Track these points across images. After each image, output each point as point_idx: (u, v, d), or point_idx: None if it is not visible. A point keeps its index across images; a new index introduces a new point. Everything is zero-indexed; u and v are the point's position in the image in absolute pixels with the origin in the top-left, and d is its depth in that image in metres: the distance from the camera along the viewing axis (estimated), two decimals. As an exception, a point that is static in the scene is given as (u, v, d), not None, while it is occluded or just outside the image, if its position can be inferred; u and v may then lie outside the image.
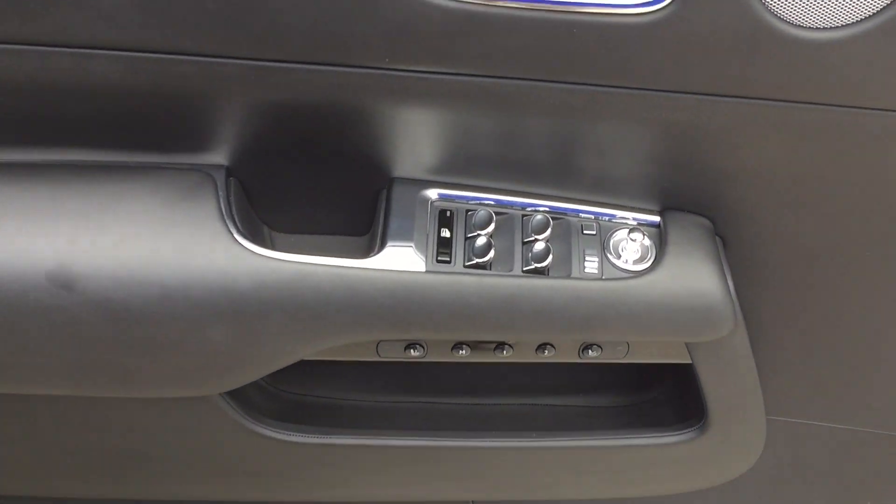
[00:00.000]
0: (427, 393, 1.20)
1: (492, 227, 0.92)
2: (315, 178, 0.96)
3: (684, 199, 0.94)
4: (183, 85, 0.83)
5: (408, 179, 0.95)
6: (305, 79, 0.81)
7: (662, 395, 1.20)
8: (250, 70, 0.81)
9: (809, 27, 0.75)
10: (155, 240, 0.87)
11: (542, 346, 0.98)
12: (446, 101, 0.84)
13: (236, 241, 0.87)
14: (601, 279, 0.91)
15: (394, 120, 0.87)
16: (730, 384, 1.02)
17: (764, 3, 0.74)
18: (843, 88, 0.80)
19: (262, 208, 0.99)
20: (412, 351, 0.97)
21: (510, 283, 0.89)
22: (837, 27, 0.75)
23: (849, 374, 1.09)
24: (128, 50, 0.79)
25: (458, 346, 0.98)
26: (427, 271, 0.89)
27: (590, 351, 0.98)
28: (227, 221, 0.88)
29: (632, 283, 0.90)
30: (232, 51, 0.79)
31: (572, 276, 0.91)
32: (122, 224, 0.87)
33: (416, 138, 0.90)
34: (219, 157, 0.93)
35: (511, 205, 0.95)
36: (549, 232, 0.92)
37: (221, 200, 0.90)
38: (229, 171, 0.93)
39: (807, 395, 1.12)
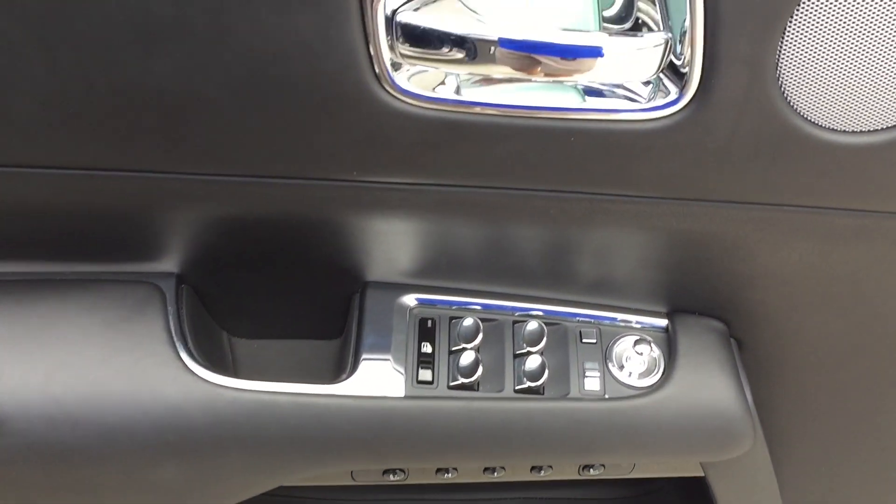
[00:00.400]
0: (412, 489, 1.09)
1: (479, 338, 0.81)
2: (278, 284, 0.85)
3: (695, 300, 0.83)
4: (119, 200, 0.71)
5: (382, 283, 0.84)
6: (260, 193, 0.70)
7: (667, 486, 1.10)
8: (196, 184, 0.70)
9: (843, 131, 0.65)
10: (94, 370, 0.76)
11: (537, 467, 0.87)
12: (423, 212, 0.73)
13: (187, 368, 0.76)
14: (604, 398, 0.80)
15: (365, 229, 0.76)
16: (747, 498, 0.91)
17: (793, 106, 0.63)
18: (880, 194, 0.69)
19: (219, 314, 0.88)
20: (391, 476, 0.87)
21: (501, 406, 0.79)
22: (874, 131, 0.65)
23: (870, 478, 0.99)
24: (53, 167, 0.67)
25: (442, 468, 0.87)
26: (406, 396, 0.78)
27: (591, 469, 0.88)
28: (178, 343, 0.77)
29: (639, 402, 0.80)
30: (172, 166, 0.68)
31: (571, 395, 0.80)
32: (56, 352, 0.76)
33: (390, 244, 0.79)
34: (168, 264, 0.81)
35: (500, 309, 0.85)
36: (543, 342, 0.81)
37: (171, 318, 0.79)
38: (181, 279, 0.82)
39: (825, 499, 1.02)
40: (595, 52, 0.60)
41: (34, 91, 0.61)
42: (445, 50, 0.60)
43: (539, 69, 0.61)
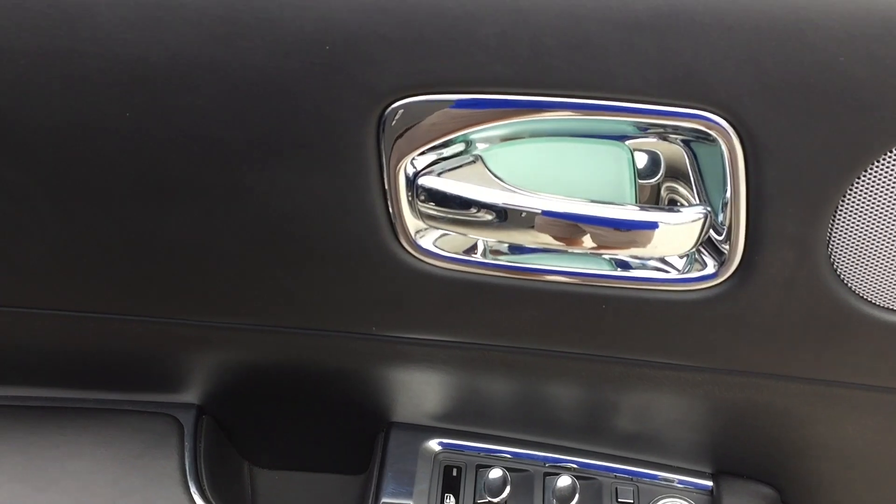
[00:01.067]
0: None
1: (506, 492, 0.76)
2: (301, 419, 0.82)
3: (743, 463, 0.77)
4: (137, 341, 0.70)
5: (407, 425, 0.80)
6: (278, 341, 0.68)
7: None
8: (212, 331, 0.68)
9: (904, 311, 0.59)
10: (103, 510, 0.73)
11: None
12: (448, 366, 0.70)
13: None
14: (638, 570, 0.74)
15: (388, 377, 0.73)
16: None
17: (847, 285, 0.58)
18: (947, 376, 0.63)
19: (241, 444, 0.85)
20: None
21: (526, 572, 0.74)
22: (941, 311, 0.59)
23: None
24: (65, 310, 0.66)
25: None
26: (425, 557, 0.74)
27: None
28: (191, 483, 0.75)
29: (677, 576, 0.73)
30: (187, 315, 0.66)
31: (602, 563, 0.74)
32: (67, 488, 0.74)
33: (415, 390, 0.76)
34: (190, 396, 0.79)
35: (530, 459, 0.80)
36: (576, 500, 0.76)
37: (187, 454, 0.76)
38: (201, 410, 0.80)
39: None
40: (650, 226, 0.56)
41: (45, 239, 0.60)
42: (472, 216, 0.57)
43: (581, 240, 0.56)
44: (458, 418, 0.78)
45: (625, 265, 0.60)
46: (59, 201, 0.58)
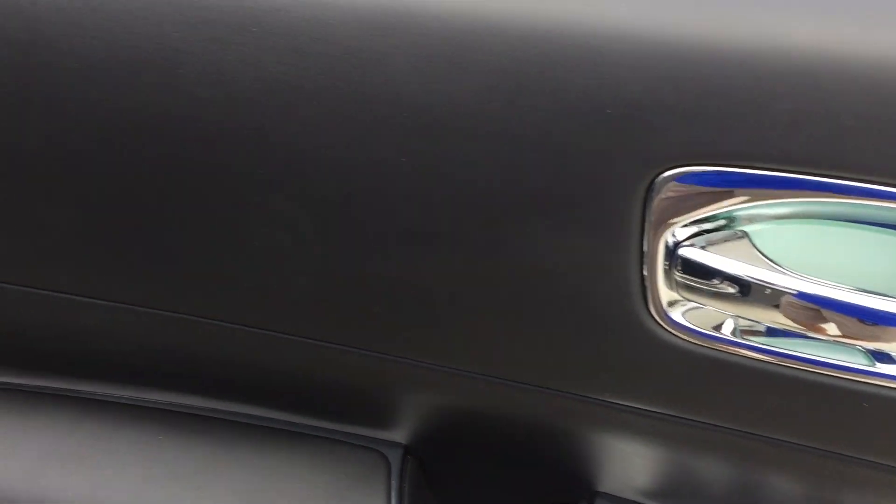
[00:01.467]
0: None
1: (716, 584, 0.73)
2: (504, 474, 0.81)
3: None
4: (358, 374, 0.72)
5: (614, 497, 0.78)
6: (506, 394, 0.68)
7: None
8: (440, 374, 0.68)
9: None
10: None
11: None
12: (672, 442, 0.67)
13: None
14: None
15: (605, 444, 0.71)
16: None
17: None
18: None
19: (441, 489, 0.86)
20: None
21: None
22: None
23: None
24: (313, 339, 0.69)
25: None
26: None
27: None
28: (396, 520, 0.76)
29: None
30: (421, 356, 0.67)
31: None
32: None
33: (627, 461, 0.73)
34: (399, 435, 0.81)
35: (744, 552, 0.75)
36: None
37: (393, 493, 0.77)
38: (408, 450, 0.81)
39: None
40: None
41: (306, 270, 0.63)
42: (733, 293, 0.55)
43: (850, 333, 0.53)
44: (668, 498, 0.75)
45: (893, 361, 0.56)
46: (326, 235, 0.61)
